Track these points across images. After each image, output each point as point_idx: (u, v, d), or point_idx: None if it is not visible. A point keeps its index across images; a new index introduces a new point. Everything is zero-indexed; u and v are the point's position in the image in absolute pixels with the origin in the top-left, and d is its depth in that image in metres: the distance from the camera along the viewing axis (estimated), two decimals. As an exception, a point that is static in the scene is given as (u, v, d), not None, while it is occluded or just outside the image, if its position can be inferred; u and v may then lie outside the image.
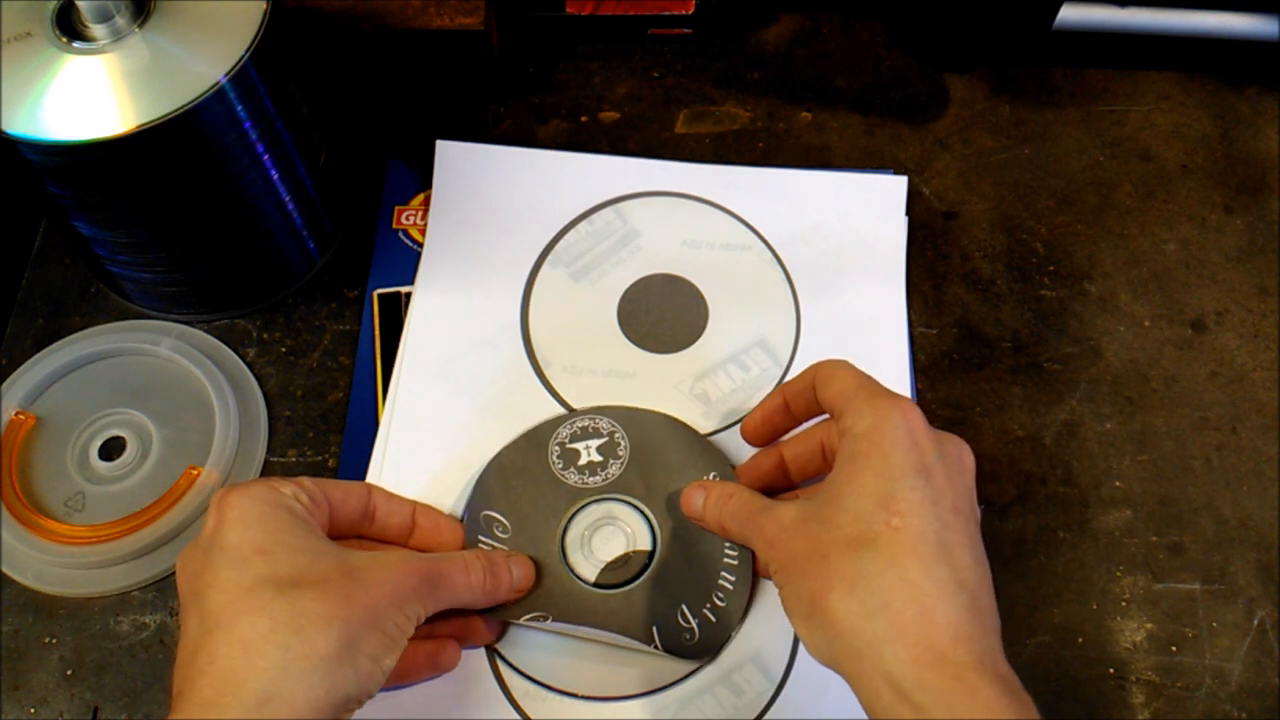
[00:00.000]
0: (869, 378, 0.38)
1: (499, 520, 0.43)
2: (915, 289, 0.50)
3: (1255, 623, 0.42)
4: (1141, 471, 0.46)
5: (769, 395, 0.42)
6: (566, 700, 0.40)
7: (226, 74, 0.38)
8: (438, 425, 0.45)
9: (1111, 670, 0.41)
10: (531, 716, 0.40)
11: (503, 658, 0.41)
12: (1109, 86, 0.57)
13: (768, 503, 0.38)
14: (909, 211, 0.52)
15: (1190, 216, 0.52)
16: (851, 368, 0.38)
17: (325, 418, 0.46)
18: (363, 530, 0.40)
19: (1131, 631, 0.42)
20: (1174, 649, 0.42)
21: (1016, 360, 0.48)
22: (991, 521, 0.44)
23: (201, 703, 0.30)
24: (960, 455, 0.35)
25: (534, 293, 0.49)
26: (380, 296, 0.49)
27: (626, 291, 0.49)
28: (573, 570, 0.42)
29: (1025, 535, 0.44)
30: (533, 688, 0.40)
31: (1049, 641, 0.42)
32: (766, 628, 0.41)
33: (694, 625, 0.40)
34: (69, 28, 0.39)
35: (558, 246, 0.50)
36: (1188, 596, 0.43)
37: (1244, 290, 0.50)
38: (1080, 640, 0.42)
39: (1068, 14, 0.52)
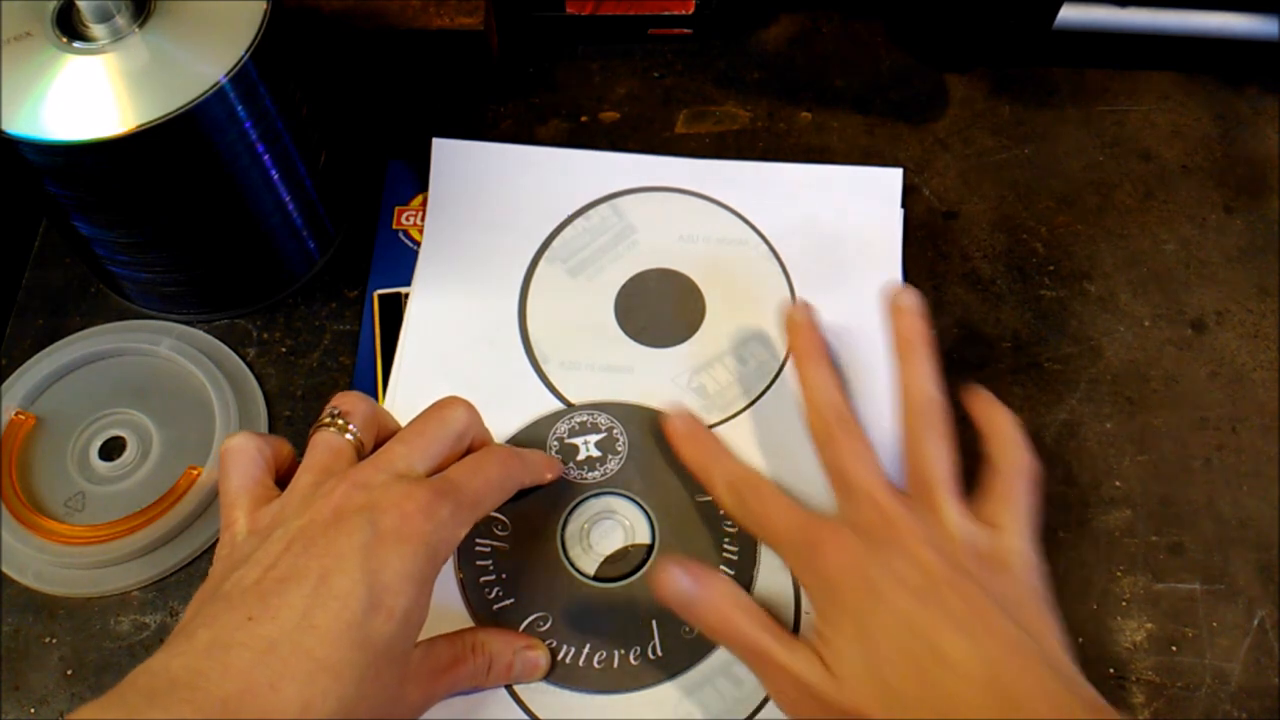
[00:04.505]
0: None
1: (498, 519, 0.43)
2: (915, 289, 0.50)
3: (1255, 623, 0.42)
4: (1141, 471, 0.46)
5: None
6: (567, 693, 0.40)
7: (226, 74, 0.39)
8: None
9: (1111, 670, 0.41)
10: (534, 710, 0.40)
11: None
12: (1109, 86, 0.57)
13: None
14: (908, 210, 0.52)
15: (1190, 216, 0.52)
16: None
17: (325, 418, 0.46)
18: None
19: (1131, 631, 0.42)
20: (1174, 649, 0.42)
21: (1016, 360, 0.48)
22: (991, 521, 0.44)
23: (196, 651, 0.30)
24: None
25: (531, 289, 0.49)
26: (380, 297, 0.49)
27: (623, 287, 0.49)
28: (573, 564, 0.42)
29: (1025, 535, 0.44)
30: (535, 682, 0.40)
31: (1049, 641, 0.42)
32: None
33: None
34: (69, 28, 0.39)
35: (554, 243, 0.50)
36: (1188, 596, 0.43)
37: (1244, 290, 0.50)
38: (1080, 640, 0.42)
39: (1068, 14, 0.52)
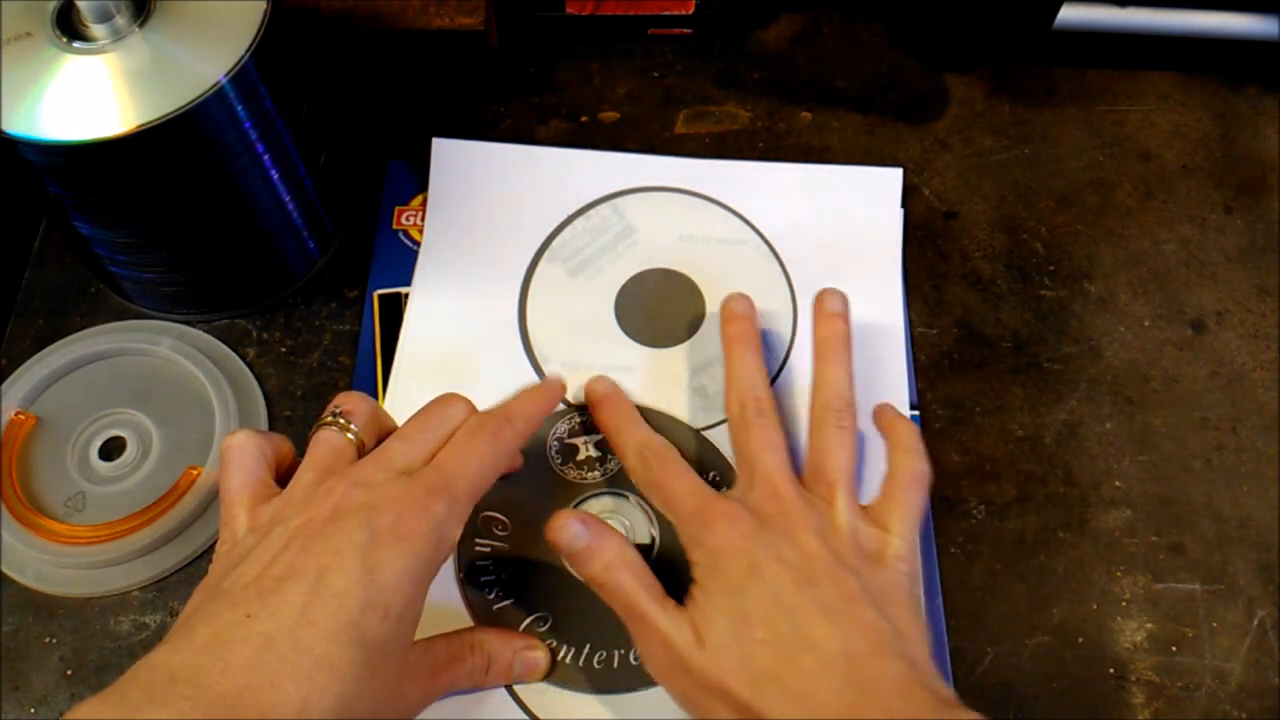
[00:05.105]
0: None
1: (498, 519, 0.43)
2: (915, 289, 0.50)
3: (1255, 623, 0.42)
4: (1141, 471, 0.46)
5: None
6: (567, 693, 0.40)
7: (226, 74, 0.39)
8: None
9: (1111, 670, 0.41)
10: (534, 710, 0.40)
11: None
12: (1109, 86, 0.57)
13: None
14: (908, 210, 0.52)
15: (1190, 216, 0.52)
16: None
17: (325, 418, 0.46)
18: None
19: (1131, 631, 0.42)
20: (1174, 649, 0.42)
21: (1016, 360, 0.48)
22: (991, 521, 0.44)
23: (197, 648, 0.30)
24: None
25: (531, 289, 0.49)
26: (380, 297, 0.49)
27: (623, 286, 0.49)
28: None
29: (1025, 535, 0.44)
30: (535, 682, 0.40)
31: (1049, 641, 0.42)
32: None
33: None
34: (69, 28, 0.39)
35: (554, 242, 0.50)
36: (1188, 596, 0.43)
37: (1244, 290, 0.50)
38: (1080, 640, 0.42)
39: (1068, 14, 0.52)
